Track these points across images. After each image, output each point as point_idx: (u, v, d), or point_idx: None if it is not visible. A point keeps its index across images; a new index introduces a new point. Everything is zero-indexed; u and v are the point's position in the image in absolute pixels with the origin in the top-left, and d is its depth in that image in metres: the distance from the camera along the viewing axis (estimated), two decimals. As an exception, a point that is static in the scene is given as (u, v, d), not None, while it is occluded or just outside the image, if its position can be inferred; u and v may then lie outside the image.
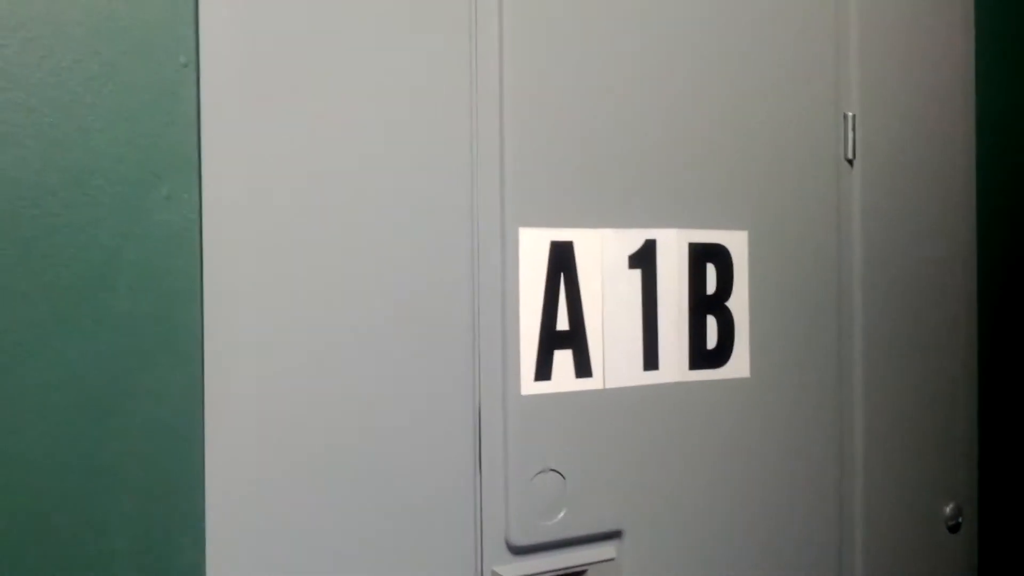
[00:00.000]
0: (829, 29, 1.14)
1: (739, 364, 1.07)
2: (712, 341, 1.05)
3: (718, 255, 1.05)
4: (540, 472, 0.95)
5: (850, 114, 1.16)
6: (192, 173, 0.80)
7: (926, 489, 1.24)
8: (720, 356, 1.05)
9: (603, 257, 0.98)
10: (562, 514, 0.96)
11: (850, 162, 1.16)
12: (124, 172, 0.77)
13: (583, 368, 0.97)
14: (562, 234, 0.96)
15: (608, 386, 0.99)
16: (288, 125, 0.83)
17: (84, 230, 0.76)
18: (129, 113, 0.78)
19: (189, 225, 0.80)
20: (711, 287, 1.05)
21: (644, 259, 1.01)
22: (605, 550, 0.99)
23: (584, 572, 0.97)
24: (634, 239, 1.00)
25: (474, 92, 0.92)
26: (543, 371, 0.95)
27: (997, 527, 1.33)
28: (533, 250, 0.95)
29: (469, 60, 0.92)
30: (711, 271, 1.05)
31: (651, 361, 1.01)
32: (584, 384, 0.97)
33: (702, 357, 1.04)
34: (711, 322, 1.05)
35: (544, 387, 0.95)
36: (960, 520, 1.27)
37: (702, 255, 1.04)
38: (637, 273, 1.00)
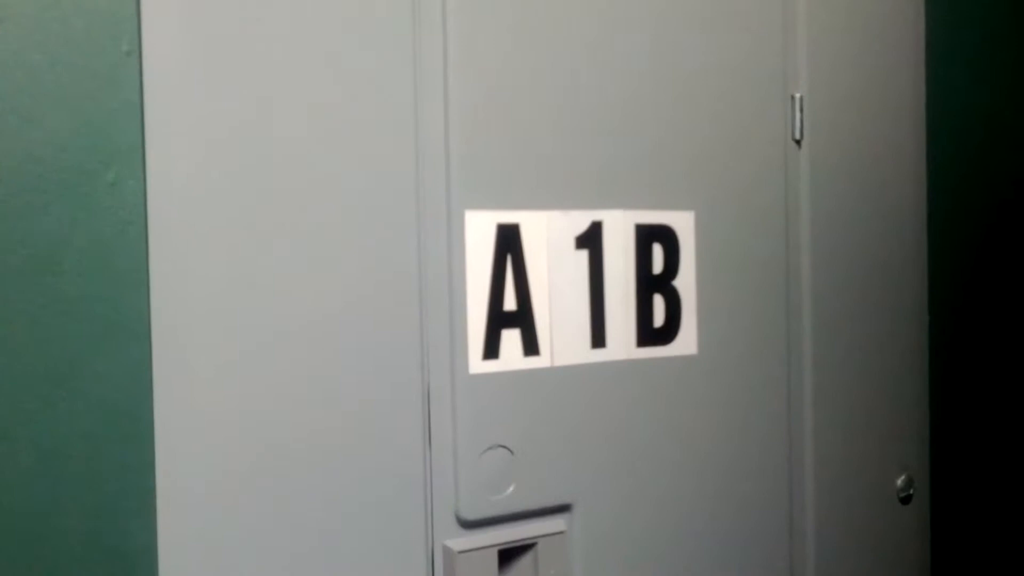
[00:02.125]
0: (776, 8, 1.16)
1: (686, 341, 1.09)
2: (659, 319, 1.07)
3: (664, 235, 1.07)
4: (489, 448, 0.97)
5: (798, 95, 1.18)
6: (137, 160, 0.81)
7: (877, 461, 1.27)
8: (667, 334, 1.08)
9: (549, 239, 1.00)
10: (511, 489, 0.99)
11: (798, 142, 1.18)
12: (68, 159, 0.79)
13: (531, 347, 1.00)
14: (508, 216, 0.98)
15: (556, 364, 1.01)
16: (231, 112, 0.85)
17: (30, 217, 0.78)
18: (72, 101, 0.79)
19: (135, 210, 0.81)
20: (658, 267, 1.07)
21: (590, 240, 1.03)
22: (555, 523, 1.02)
23: (535, 544, 1.00)
24: (580, 221, 1.02)
25: (418, 74, 0.94)
26: (491, 350, 0.97)
27: (949, 498, 1.36)
28: (479, 232, 0.97)
29: (412, 42, 0.93)
30: (658, 251, 1.07)
31: (599, 339, 1.03)
32: (532, 362, 1.00)
33: (649, 335, 1.07)
34: (658, 301, 1.07)
35: (492, 366, 0.97)
36: (912, 492, 1.29)
37: (649, 236, 1.06)
38: (584, 254, 1.03)
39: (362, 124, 0.91)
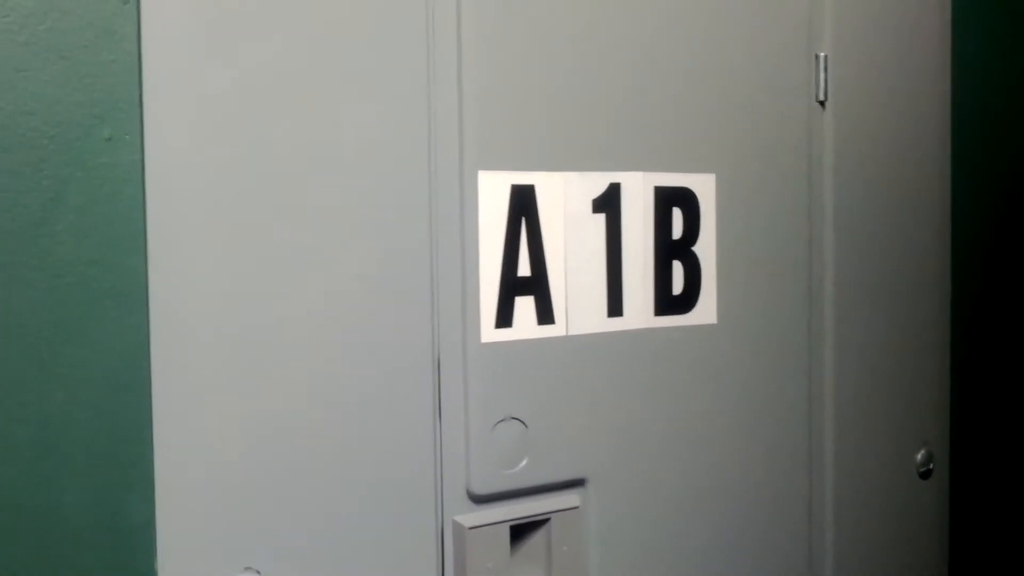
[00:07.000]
0: (801, -33, 1.11)
1: (706, 310, 1.05)
2: (678, 287, 1.03)
3: (685, 199, 1.03)
4: (501, 420, 0.94)
5: (822, 55, 1.13)
6: (134, 114, 0.77)
7: (897, 435, 1.23)
8: (686, 302, 1.04)
9: (566, 201, 0.96)
10: (524, 462, 0.95)
11: (822, 104, 1.14)
12: (63, 113, 0.75)
13: (545, 315, 0.96)
14: (523, 177, 0.94)
15: (571, 333, 0.97)
16: (234, 66, 0.81)
17: (21, 174, 0.73)
18: (67, 52, 0.75)
19: (132, 168, 0.77)
20: (677, 232, 1.03)
21: (608, 203, 0.99)
22: (569, 498, 0.98)
23: (548, 520, 0.97)
24: (598, 183, 0.98)
25: (430, 30, 0.90)
26: (504, 318, 0.94)
27: (968, 473, 1.33)
28: (493, 194, 0.92)
29: (425, -2, 0.89)
30: (677, 215, 1.03)
31: (615, 307, 1.00)
32: (546, 331, 0.96)
33: (668, 303, 1.03)
34: (677, 267, 1.03)
35: (505, 334, 0.94)
36: (931, 466, 1.27)
37: (668, 199, 1.02)
38: (601, 218, 0.99)
39: (372, 81, 0.86)
